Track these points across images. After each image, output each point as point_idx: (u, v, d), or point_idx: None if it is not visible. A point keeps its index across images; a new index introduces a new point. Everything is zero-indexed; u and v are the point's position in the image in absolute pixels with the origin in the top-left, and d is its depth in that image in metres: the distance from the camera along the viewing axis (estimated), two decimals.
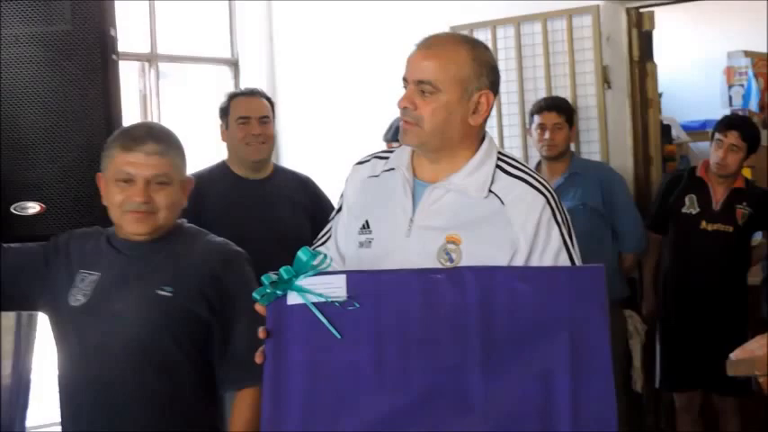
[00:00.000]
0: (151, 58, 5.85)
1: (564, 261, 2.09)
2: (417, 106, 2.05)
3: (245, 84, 6.24)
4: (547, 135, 4.39)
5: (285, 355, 2.01)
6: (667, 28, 5.27)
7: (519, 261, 2.07)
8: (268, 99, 3.88)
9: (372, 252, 2.16)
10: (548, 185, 2.20)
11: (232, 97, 3.87)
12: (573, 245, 2.12)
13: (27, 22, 2.83)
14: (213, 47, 6.45)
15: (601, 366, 1.89)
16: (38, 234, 3.25)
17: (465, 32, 5.34)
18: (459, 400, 1.91)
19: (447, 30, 5.28)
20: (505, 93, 5.14)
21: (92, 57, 2.90)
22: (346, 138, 5.46)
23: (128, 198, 2.43)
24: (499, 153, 2.23)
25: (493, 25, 5.06)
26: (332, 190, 3.36)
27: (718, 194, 4.40)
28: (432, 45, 2.11)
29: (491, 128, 2.63)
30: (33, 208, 2.90)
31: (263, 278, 2.03)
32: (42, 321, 4.09)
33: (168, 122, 5.71)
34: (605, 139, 4.91)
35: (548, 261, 2.07)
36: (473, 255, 2.05)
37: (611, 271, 4.28)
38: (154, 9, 5.85)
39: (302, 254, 2.01)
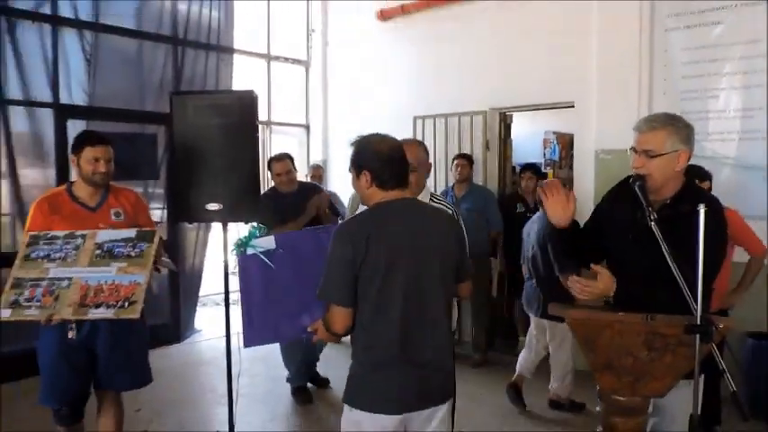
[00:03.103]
0: (267, 123, 6.69)
1: None
2: None
3: (313, 139, 6.64)
4: (459, 171, 5.06)
5: (250, 280, 2.18)
6: (521, 118, 5.60)
7: None
8: (290, 158, 4.15)
9: None
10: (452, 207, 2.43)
11: (270, 161, 4.16)
12: None
13: (215, 115, 3.15)
14: (294, 114, 6.95)
15: None
16: (215, 219, 3.39)
17: (420, 122, 5.81)
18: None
19: (411, 119, 5.91)
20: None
21: (246, 133, 3.15)
22: None
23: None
24: (431, 193, 2.50)
25: (434, 118, 5.87)
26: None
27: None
28: None
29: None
30: (214, 206, 3.07)
31: (234, 243, 2.20)
32: None
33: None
34: (485, 174, 5.75)
35: None
36: None
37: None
38: (270, 86, 6.21)
39: (251, 229, 2.20)
